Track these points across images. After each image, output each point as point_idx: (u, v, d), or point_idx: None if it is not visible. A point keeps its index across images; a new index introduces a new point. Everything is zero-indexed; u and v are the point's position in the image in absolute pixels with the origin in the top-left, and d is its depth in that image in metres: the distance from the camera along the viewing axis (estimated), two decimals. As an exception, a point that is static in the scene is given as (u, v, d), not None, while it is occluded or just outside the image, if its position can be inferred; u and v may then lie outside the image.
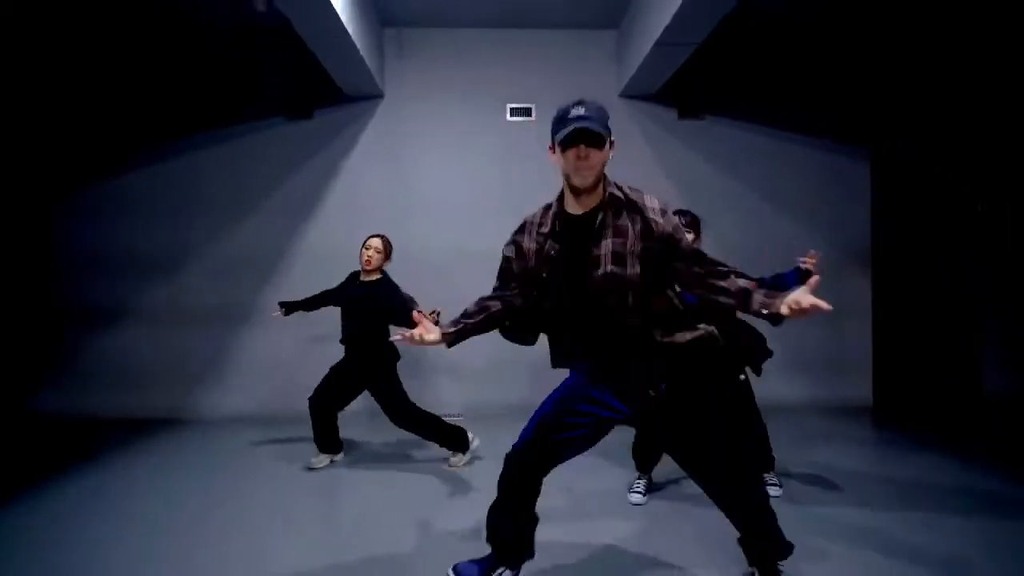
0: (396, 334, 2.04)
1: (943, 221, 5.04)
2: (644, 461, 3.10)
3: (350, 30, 4.03)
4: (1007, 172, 4.90)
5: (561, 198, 1.86)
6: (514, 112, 5.36)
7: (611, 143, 1.77)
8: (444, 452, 3.67)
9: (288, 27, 4.01)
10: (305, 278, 5.12)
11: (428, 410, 3.61)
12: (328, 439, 3.65)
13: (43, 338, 5.30)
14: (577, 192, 1.78)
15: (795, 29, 4.96)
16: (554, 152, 1.78)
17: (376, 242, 3.57)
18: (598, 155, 1.73)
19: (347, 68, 4.63)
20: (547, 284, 1.84)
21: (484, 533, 2.06)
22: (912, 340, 5.20)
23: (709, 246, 5.41)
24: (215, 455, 4.07)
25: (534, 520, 2.02)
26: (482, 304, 1.98)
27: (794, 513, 2.70)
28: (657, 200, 1.83)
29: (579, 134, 1.68)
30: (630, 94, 5.32)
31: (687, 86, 5.23)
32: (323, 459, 3.64)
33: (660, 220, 1.77)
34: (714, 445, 1.89)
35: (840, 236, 5.46)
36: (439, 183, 5.28)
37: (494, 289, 2.01)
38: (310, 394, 3.64)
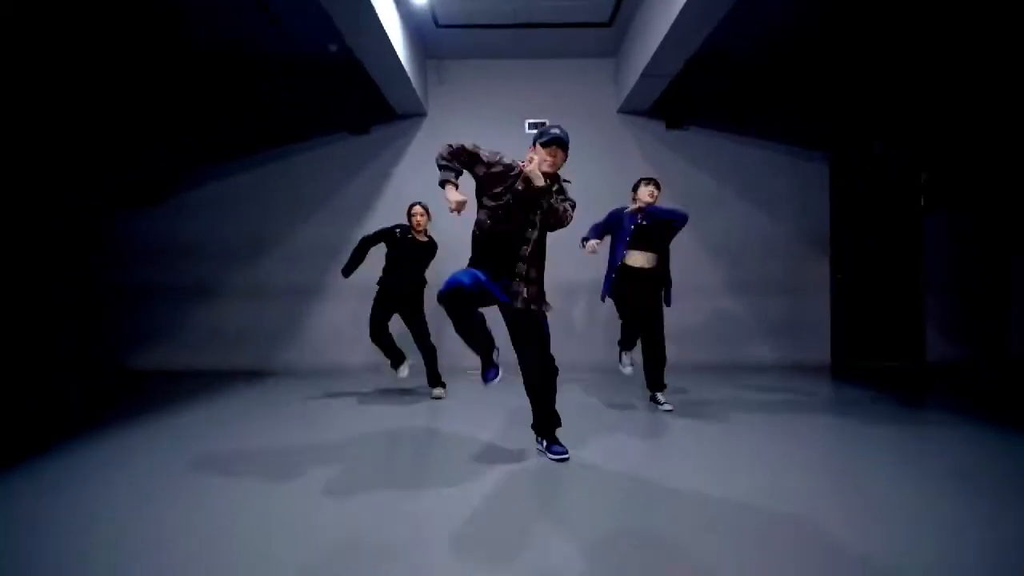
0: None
1: (892, 213, 6.18)
2: (626, 343, 4.37)
3: (404, 63, 5.31)
4: (950, 167, 6.04)
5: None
6: (532, 126, 6.59)
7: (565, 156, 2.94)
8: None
9: (351, 60, 5.30)
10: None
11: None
12: (396, 353, 4.76)
13: (146, 309, 6.69)
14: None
15: (758, 55, 6.13)
16: (533, 149, 2.88)
17: (420, 208, 4.70)
18: (562, 157, 2.91)
19: (399, 92, 5.91)
20: (501, 197, 2.87)
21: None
22: (864, 312, 6.31)
23: (696, 236, 6.59)
24: (287, 401, 4.82)
25: (479, 319, 2.90)
26: (453, 156, 2.92)
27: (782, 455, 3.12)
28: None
29: (556, 139, 2.85)
30: (626, 110, 6.52)
31: (672, 102, 6.40)
32: (404, 369, 4.77)
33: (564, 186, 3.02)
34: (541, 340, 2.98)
35: (804, 226, 6.58)
36: (471, 186, 6.53)
37: (449, 154, 2.92)
38: (368, 336, 4.77)
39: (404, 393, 4.89)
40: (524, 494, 2.59)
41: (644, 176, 4.34)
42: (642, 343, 4.32)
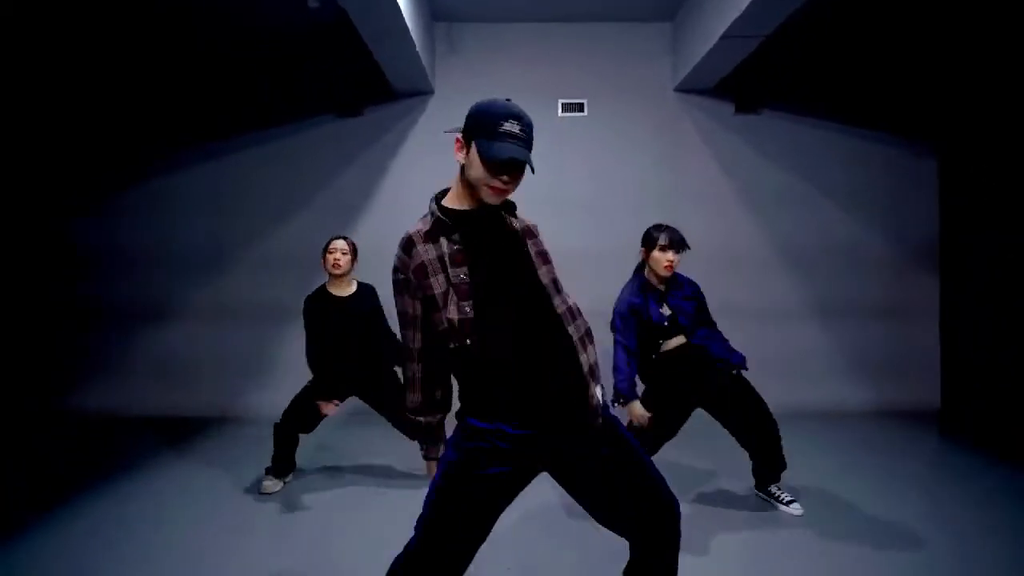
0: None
1: (1019, 218, 4.81)
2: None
3: (408, 22, 3.96)
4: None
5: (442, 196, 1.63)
6: (566, 108, 5.25)
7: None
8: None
9: (338, 25, 3.95)
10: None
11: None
12: (288, 461, 3.44)
13: (78, 337, 5.35)
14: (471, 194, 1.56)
15: (861, 19, 4.76)
16: (461, 148, 1.53)
17: (341, 243, 3.30)
18: (519, 181, 1.52)
19: (402, 64, 4.56)
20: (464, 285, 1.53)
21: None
22: (984, 343, 4.97)
23: (768, 245, 5.30)
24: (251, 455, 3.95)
25: None
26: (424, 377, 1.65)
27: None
28: None
29: (512, 163, 1.47)
30: (686, 88, 5.17)
31: (744, 80, 5.06)
32: (277, 484, 3.39)
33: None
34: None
35: (904, 233, 5.25)
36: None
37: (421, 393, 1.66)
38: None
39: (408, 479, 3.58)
40: None
41: (660, 224, 2.93)
42: (739, 433, 3.04)
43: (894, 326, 5.22)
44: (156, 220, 5.33)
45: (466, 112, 1.54)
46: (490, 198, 1.51)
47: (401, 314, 1.62)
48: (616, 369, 2.82)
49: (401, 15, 3.73)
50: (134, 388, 5.23)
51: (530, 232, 1.66)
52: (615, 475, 1.59)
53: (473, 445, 1.54)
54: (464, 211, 1.56)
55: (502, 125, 1.45)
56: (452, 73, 5.26)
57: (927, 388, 5.17)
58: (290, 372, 5.18)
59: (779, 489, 3.04)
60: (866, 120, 5.26)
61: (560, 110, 5.24)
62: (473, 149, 1.48)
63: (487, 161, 1.46)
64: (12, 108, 5.07)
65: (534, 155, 1.51)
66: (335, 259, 3.24)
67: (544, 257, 1.64)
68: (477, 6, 4.99)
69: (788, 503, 2.98)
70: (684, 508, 1.77)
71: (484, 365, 1.52)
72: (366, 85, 5.14)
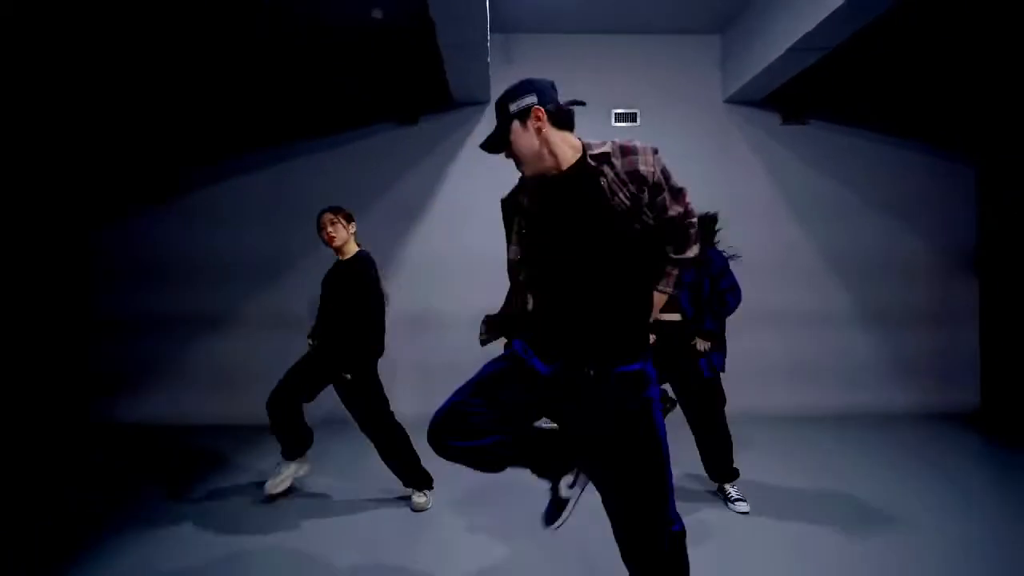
0: None
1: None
2: None
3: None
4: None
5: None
6: (619, 118, 5.37)
7: (523, 121, 1.77)
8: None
9: (404, 35, 4.02)
10: (408, 283, 5.16)
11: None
12: (297, 437, 3.31)
13: (140, 347, 5.34)
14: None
15: (907, 34, 4.95)
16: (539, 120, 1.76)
17: (328, 215, 3.24)
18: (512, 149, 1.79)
19: (469, 70, 4.64)
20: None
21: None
22: (1022, 346, 5.16)
23: (815, 252, 5.48)
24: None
25: (515, 439, 1.74)
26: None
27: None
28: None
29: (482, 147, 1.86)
30: (736, 99, 5.32)
31: (791, 92, 5.21)
32: (292, 468, 3.31)
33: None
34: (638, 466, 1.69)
35: (944, 240, 5.44)
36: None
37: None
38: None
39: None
40: None
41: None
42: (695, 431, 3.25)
43: (936, 330, 5.40)
44: (209, 228, 5.35)
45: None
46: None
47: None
48: None
49: (486, 26, 3.82)
50: (193, 397, 5.23)
51: (607, 159, 1.69)
52: (613, 469, 1.71)
53: (517, 358, 1.73)
54: (531, 178, 1.77)
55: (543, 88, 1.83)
56: (507, 82, 5.32)
57: (968, 391, 5.35)
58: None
59: (732, 487, 3.21)
60: (909, 131, 5.45)
61: (613, 120, 5.36)
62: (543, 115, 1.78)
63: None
64: (75, 117, 5.07)
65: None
66: (326, 234, 3.24)
67: (624, 180, 1.66)
68: (533, 18, 5.10)
69: (735, 501, 3.14)
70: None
71: (527, 302, 1.74)
72: (425, 94, 5.21)
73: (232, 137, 5.39)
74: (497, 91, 5.27)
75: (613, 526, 1.75)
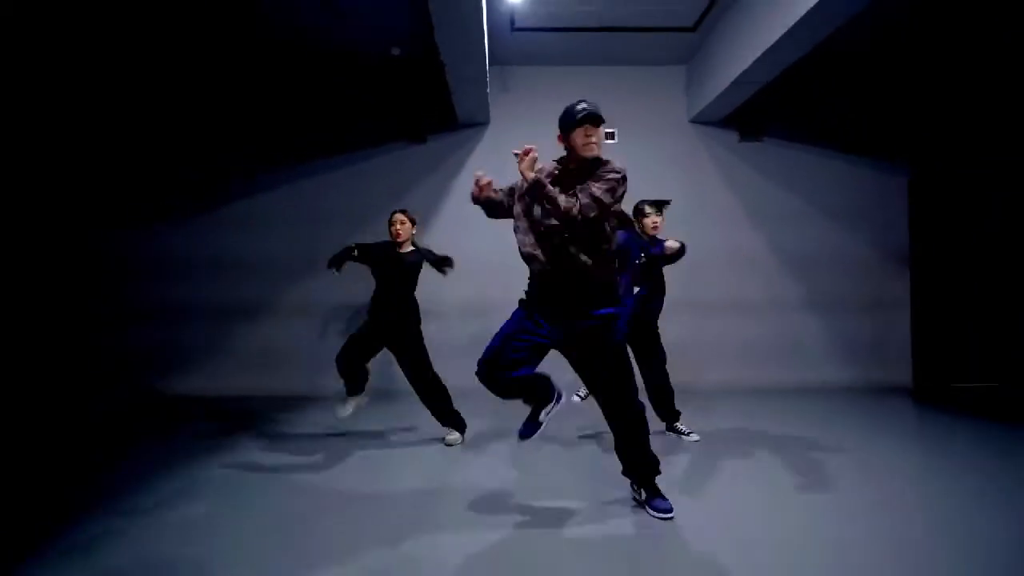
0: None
1: (977, 227, 5.93)
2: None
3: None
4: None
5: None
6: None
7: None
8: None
9: (414, 63, 4.91)
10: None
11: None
12: (357, 382, 4.02)
13: (195, 332, 6.20)
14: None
15: (842, 61, 5.86)
16: (562, 140, 2.47)
17: (400, 216, 3.91)
18: (599, 133, 2.43)
19: (472, 97, 5.54)
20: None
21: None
22: (949, 330, 6.02)
23: (770, 251, 6.31)
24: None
25: (527, 376, 2.56)
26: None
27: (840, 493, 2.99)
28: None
29: (588, 116, 2.38)
30: (699, 120, 6.23)
31: (747, 112, 6.12)
32: (350, 405, 4.03)
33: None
34: (613, 374, 2.54)
35: (882, 240, 6.32)
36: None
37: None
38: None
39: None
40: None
41: (649, 202, 3.84)
42: (644, 374, 3.85)
43: (873, 316, 6.26)
44: (248, 230, 6.23)
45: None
46: (586, 152, 2.39)
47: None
48: None
49: (486, 64, 4.73)
50: (227, 374, 6.07)
51: (593, 171, 2.42)
52: (598, 374, 2.57)
53: (527, 309, 2.58)
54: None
55: (576, 107, 2.41)
56: (504, 107, 6.26)
57: (901, 368, 6.21)
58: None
59: (680, 424, 3.97)
60: (849, 146, 6.35)
61: (594, 138, 6.26)
62: (572, 134, 2.40)
63: (575, 123, 2.36)
64: (132, 124, 5.98)
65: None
66: (395, 230, 3.91)
67: (590, 181, 2.37)
68: (525, 52, 6.02)
69: (687, 434, 3.90)
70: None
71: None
72: (434, 116, 6.11)
73: (264, 155, 6.29)
74: (496, 114, 6.26)
75: (600, 406, 2.63)
